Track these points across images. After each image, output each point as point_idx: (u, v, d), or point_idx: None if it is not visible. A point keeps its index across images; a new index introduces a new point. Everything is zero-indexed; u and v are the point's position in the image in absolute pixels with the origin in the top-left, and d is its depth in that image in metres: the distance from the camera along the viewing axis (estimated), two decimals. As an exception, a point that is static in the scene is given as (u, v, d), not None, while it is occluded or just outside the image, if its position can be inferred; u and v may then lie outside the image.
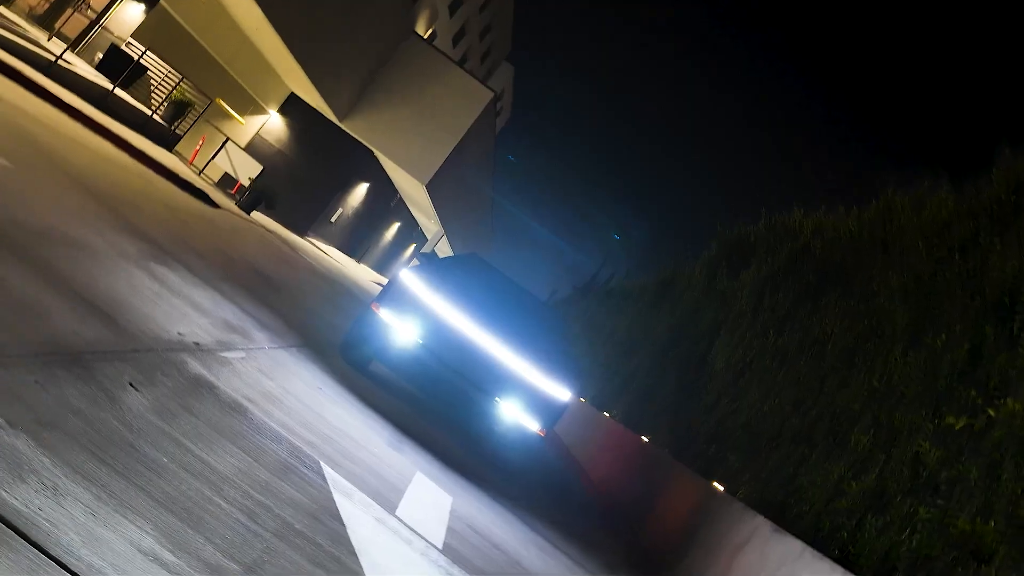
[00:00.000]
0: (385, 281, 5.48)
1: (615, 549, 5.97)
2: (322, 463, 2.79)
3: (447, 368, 4.77)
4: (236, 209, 11.59)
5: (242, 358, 3.38)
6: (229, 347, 3.40)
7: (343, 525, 2.37)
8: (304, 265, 10.75)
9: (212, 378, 2.80)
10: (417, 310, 4.73)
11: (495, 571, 3.03)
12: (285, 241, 12.97)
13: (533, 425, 4.94)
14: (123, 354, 2.40)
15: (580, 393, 6.31)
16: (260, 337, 4.05)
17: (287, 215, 17.71)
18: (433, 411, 5.30)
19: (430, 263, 5.30)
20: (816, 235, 7.95)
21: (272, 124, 18.29)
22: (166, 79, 12.00)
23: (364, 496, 2.78)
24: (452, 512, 3.47)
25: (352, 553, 2.22)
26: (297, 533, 2.08)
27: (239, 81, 16.56)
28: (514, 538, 3.90)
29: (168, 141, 11.91)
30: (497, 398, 4.83)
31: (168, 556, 1.54)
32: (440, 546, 2.88)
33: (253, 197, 11.83)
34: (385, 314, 4.79)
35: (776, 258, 8.50)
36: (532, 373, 4.99)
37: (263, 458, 2.43)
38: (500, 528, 3.89)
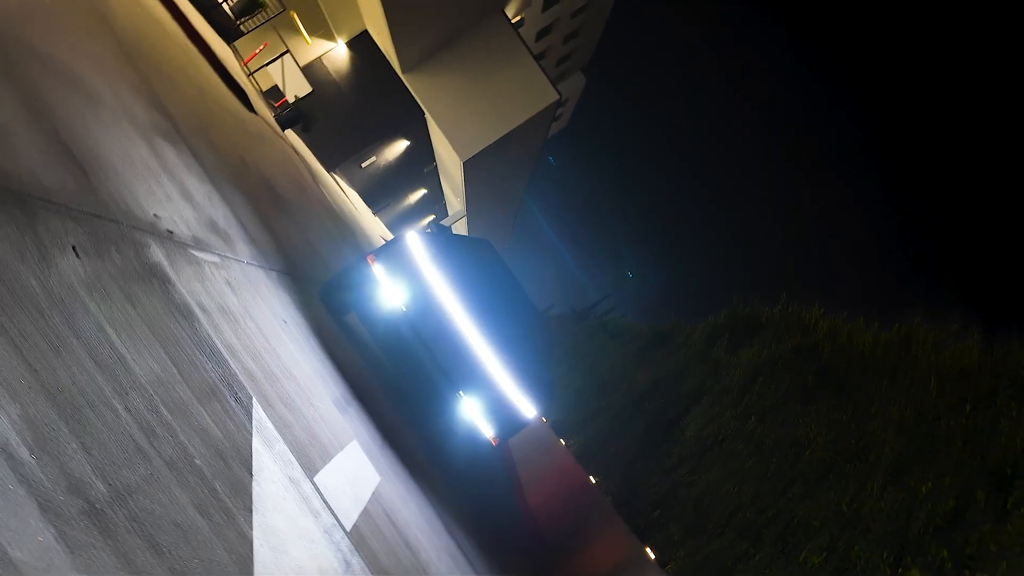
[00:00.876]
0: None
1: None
2: (255, 400, 2.53)
3: (422, 344, 4.52)
4: (272, 121, 11.34)
5: (214, 263, 3.12)
6: (205, 247, 3.14)
7: (250, 475, 2.11)
8: (319, 197, 10.49)
9: (171, 272, 2.54)
10: (411, 276, 4.48)
11: (397, 574, 2.78)
12: (309, 168, 12.72)
13: (488, 431, 4.69)
14: (79, 214, 2.14)
15: (545, 413, 6.04)
16: (243, 249, 3.80)
17: (320, 145, 17.47)
18: (393, 383, 5.05)
19: (441, 234, 5.05)
20: (828, 338, 7.70)
21: (336, 54, 18.04)
22: (248, -27, 11.71)
23: (286, 449, 2.53)
24: (375, 494, 3.22)
25: (248, 510, 1.97)
26: (194, 469, 1.83)
27: (319, 1, 16.32)
28: (430, 542, 3.64)
29: (229, 34, 11.65)
30: (462, 392, 4.57)
31: (23, 453, 1.29)
32: (348, 528, 2.63)
33: (293, 114, 11.58)
34: (378, 270, 4.54)
35: (781, 347, 8.24)
36: (505, 380, 4.74)
37: (191, 375, 2.18)
38: (419, 526, 3.63)
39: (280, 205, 6.29)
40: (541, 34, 29.78)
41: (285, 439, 2.58)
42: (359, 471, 3.22)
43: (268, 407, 2.62)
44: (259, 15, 11.87)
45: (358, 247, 10.31)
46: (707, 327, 11.55)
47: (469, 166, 18.38)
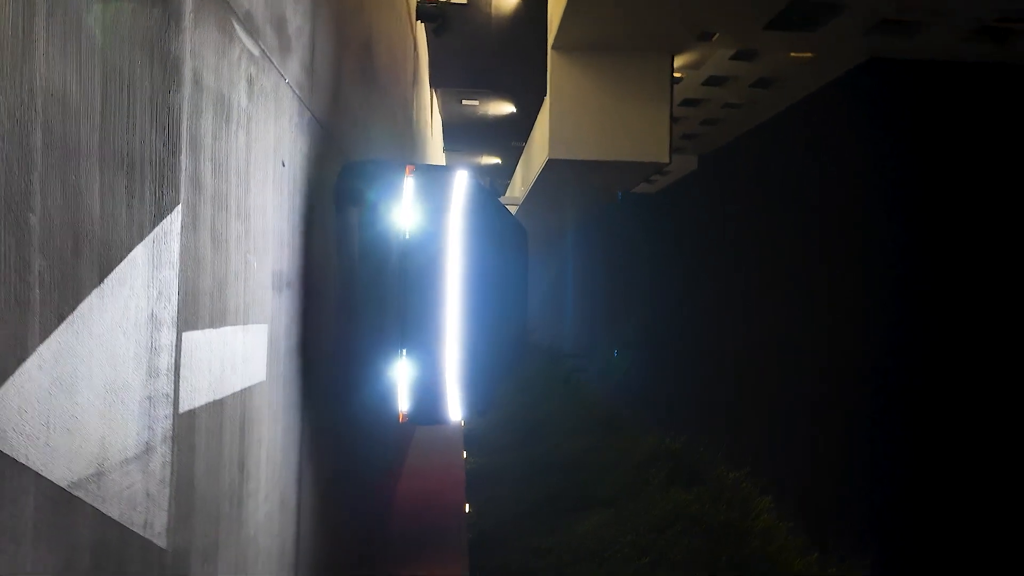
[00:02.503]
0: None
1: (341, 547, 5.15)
2: (179, 209, 2.00)
3: (399, 279, 3.99)
4: (414, 5, 10.87)
5: (250, 53, 2.60)
6: (252, 32, 2.62)
7: (99, 279, 1.58)
8: (406, 97, 9.99)
9: (187, 16, 2.02)
10: (436, 211, 3.95)
11: (206, 495, 2.23)
12: (416, 69, 12.23)
13: (401, 404, 4.14)
14: None
15: (468, 421, 5.50)
16: (293, 69, 3.28)
17: (439, 57, 17.00)
18: (348, 296, 4.51)
19: (490, 196, 4.51)
20: (762, 536, 7.15)
21: (506, -7, 17.57)
22: None
23: (174, 281, 1.99)
24: (245, 392, 2.68)
25: (59, 317, 1.44)
26: (26, 227, 1.30)
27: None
28: (268, 475, 3.09)
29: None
30: (404, 351, 4.03)
31: None
32: (183, 410, 2.09)
33: (436, 12, 11.10)
34: (410, 184, 4.01)
35: (714, 513, 7.69)
36: (453, 368, 4.20)
37: (119, 131, 1.65)
38: (269, 454, 3.08)
39: (364, 72, 5.77)
40: (687, 102, 29.35)
41: (183, 271, 2.04)
42: (245, 358, 2.68)
43: (190, 226, 2.09)
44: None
45: (408, 160, 9.78)
46: (657, 444, 11.01)
47: (551, 165, 17.89)
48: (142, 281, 1.79)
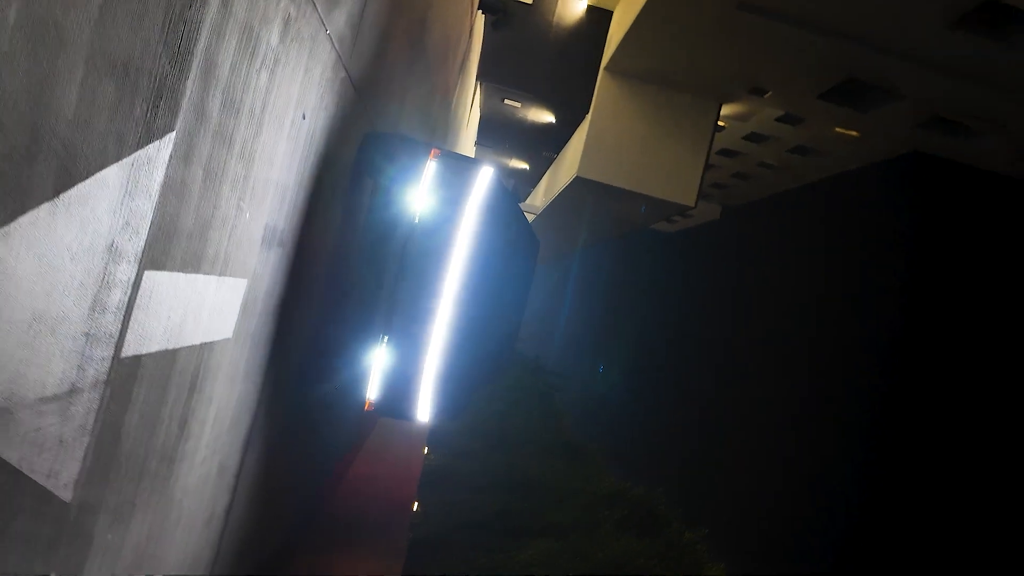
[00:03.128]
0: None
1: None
2: (172, 137, 1.80)
3: (397, 264, 3.79)
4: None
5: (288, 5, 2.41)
6: (301, -30, 2.43)
7: (55, 194, 1.38)
8: (449, 82, 9.81)
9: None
10: (453, 202, 3.75)
11: (134, 449, 2.02)
12: (466, 56, 12.08)
13: (371, 391, 3.93)
14: None
15: (436, 421, 5.25)
16: (337, 24, 3.09)
17: (492, 51, 16.87)
18: (344, 269, 4.30)
19: (511, 198, 4.31)
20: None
21: (580, 2, 17.46)
22: None
23: (148, 214, 1.79)
24: (204, 347, 2.47)
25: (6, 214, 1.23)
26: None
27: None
28: (210, 439, 2.88)
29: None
30: (385, 338, 3.83)
31: None
32: (125, 354, 1.88)
33: (497, 4, 10.95)
34: (431, 168, 3.82)
35: (663, 568, 7.46)
36: (433, 366, 3.99)
37: (122, 37, 1.45)
38: (217, 415, 2.87)
39: (413, 46, 5.59)
40: (724, 152, 29.28)
41: (162, 204, 1.84)
42: (213, 311, 2.47)
43: (181, 157, 1.89)
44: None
45: (436, 144, 9.62)
46: (619, 483, 10.77)
47: (578, 183, 17.73)
48: (108, 205, 1.58)
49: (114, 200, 1.60)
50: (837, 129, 22.49)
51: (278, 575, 4.63)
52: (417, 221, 3.72)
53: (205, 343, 2.47)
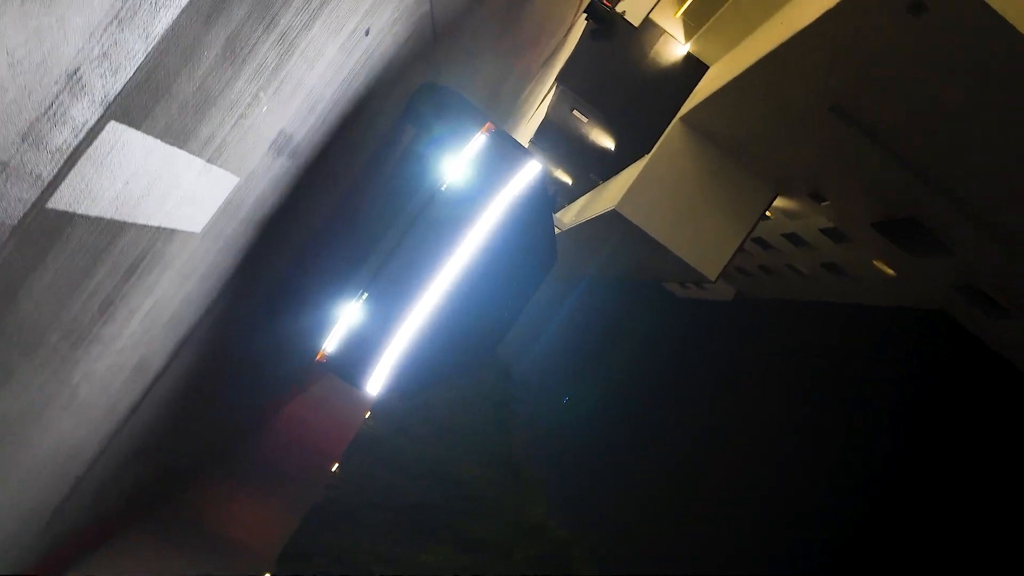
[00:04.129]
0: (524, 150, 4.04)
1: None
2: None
3: (409, 220, 3.48)
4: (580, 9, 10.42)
5: None
6: None
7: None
8: (528, 69, 9.51)
9: None
10: (489, 184, 3.44)
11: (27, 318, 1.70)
12: (552, 55, 11.78)
13: (328, 344, 3.62)
14: None
15: (384, 398, 4.91)
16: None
17: (579, 61, 16.57)
18: (347, 206, 3.97)
19: (548, 204, 3.99)
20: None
21: (671, 43, 17.20)
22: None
23: (140, 67, 1.47)
24: (159, 232, 2.16)
25: None
26: None
27: (728, 10, 15.47)
28: (141, 327, 2.56)
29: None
30: (364, 295, 3.51)
31: None
32: (53, 207, 1.56)
33: (605, 17, 10.68)
34: (479, 140, 3.51)
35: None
36: (402, 341, 3.68)
37: None
38: (156, 316, 2.55)
39: (508, 13, 5.28)
40: (760, 240, 29.01)
41: (158, 53, 1.52)
42: (187, 198, 2.15)
43: (201, 13, 1.57)
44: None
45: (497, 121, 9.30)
46: (541, 522, 10.43)
47: (612, 217, 17.44)
48: (84, 23, 1.26)
49: (95, 20, 1.28)
50: (876, 262, 22.23)
51: (165, 493, 4.30)
52: (444, 189, 3.41)
53: (164, 228, 2.16)
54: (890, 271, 22.53)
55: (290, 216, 3.25)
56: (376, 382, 3.69)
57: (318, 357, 3.64)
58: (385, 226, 3.49)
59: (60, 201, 1.56)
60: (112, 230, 1.87)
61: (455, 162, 3.45)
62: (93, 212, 1.72)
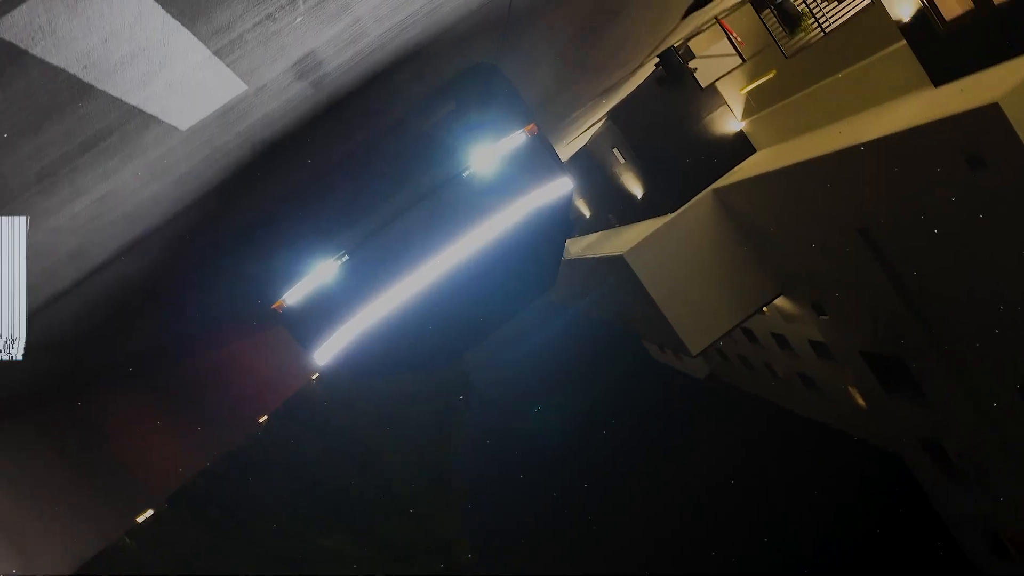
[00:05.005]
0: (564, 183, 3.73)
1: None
2: None
3: (414, 198, 3.20)
4: (663, 44, 10.29)
5: None
6: None
7: None
8: (591, 87, 9.33)
9: None
10: (514, 187, 3.18)
11: None
12: (613, 87, 11.61)
13: (291, 295, 3.30)
14: None
15: (328, 371, 4.49)
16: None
17: (636, 100, 16.45)
18: (360, 162, 3.65)
19: (568, 226, 3.71)
20: None
21: (727, 115, 17.16)
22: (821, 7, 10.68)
23: None
24: (135, 108, 1.85)
25: None
26: None
27: (787, 105, 15.44)
28: (94, 214, 2.24)
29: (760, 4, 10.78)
30: (344, 257, 3.21)
31: None
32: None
33: (677, 66, 10.55)
34: (518, 139, 3.24)
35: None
36: (370, 318, 3.37)
37: None
38: (122, 191, 2.24)
39: (585, 28, 5.05)
40: (748, 333, 29.00)
41: None
42: (178, 84, 1.85)
43: None
44: (777, 28, 10.93)
45: (546, 128, 9.08)
46: (448, 540, 10.05)
47: (617, 262, 17.31)
48: None
49: None
50: (851, 388, 22.21)
51: (70, 394, 3.93)
52: (465, 174, 3.13)
53: (142, 111, 1.85)
54: (862, 402, 22.53)
55: (294, 148, 2.95)
56: (327, 352, 3.38)
57: (275, 305, 3.32)
58: (389, 192, 3.20)
59: (10, 31, 1.26)
60: (75, 90, 1.57)
61: (486, 152, 3.18)
62: (53, 60, 1.42)
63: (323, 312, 3.26)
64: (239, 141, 2.52)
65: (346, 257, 3.18)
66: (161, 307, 3.92)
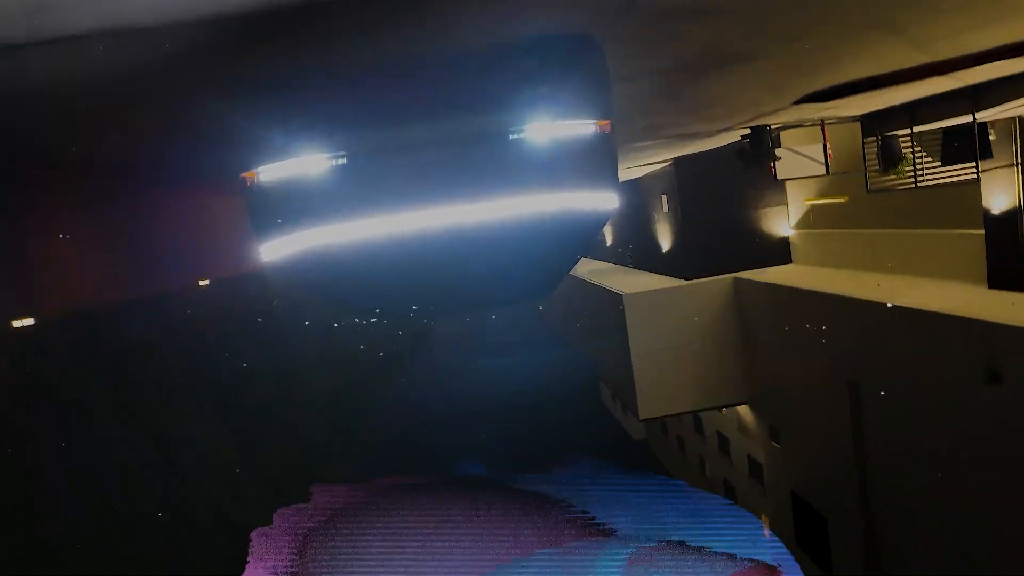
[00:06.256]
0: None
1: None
2: None
3: (454, 137, 2.77)
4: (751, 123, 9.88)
5: None
6: None
7: None
8: (665, 123, 8.92)
9: None
10: (552, 179, 2.76)
11: None
12: (697, 135, 11.20)
13: (268, 172, 2.86)
14: None
15: (285, 275, 4.07)
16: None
17: (703, 160, 16.06)
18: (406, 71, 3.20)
19: (590, 244, 3.30)
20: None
21: (785, 213, 16.86)
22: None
23: None
24: None
25: None
26: None
27: (844, 241, 15.09)
28: None
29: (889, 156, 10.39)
30: (342, 158, 2.77)
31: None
32: None
33: (761, 147, 10.14)
34: (587, 129, 2.82)
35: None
36: (340, 235, 2.94)
37: None
38: None
39: (695, 64, 4.58)
40: (698, 422, 28.86)
41: None
42: None
43: None
44: (873, 160, 10.53)
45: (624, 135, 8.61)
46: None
47: (612, 298, 17.02)
48: None
49: None
50: (764, 517, 22.11)
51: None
52: (511, 137, 2.69)
53: None
54: (767, 532, 22.36)
55: (348, 22, 2.49)
56: (276, 250, 2.94)
57: (247, 175, 2.88)
58: (424, 117, 2.77)
59: None
60: None
61: (546, 125, 2.74)
62: None
63: (292, 206, 2.83)
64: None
65: (344, 160, 2.74)
66: (137, 115, 3.45)
